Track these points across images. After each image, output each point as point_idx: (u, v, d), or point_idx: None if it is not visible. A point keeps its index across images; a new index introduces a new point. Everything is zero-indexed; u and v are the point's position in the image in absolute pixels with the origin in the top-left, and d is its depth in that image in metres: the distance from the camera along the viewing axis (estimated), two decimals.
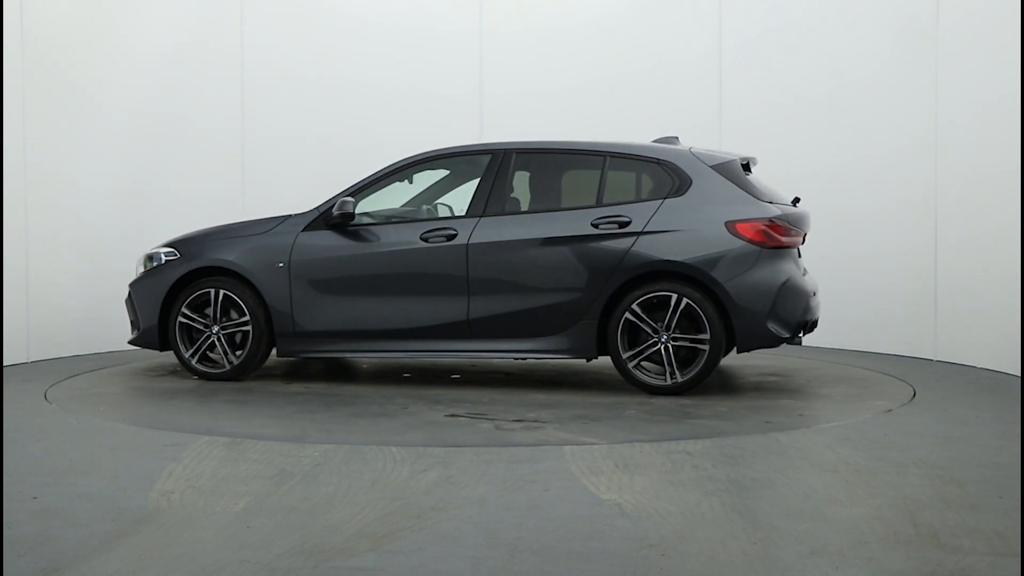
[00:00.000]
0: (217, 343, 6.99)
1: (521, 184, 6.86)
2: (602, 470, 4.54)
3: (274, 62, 9.40)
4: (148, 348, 7.24)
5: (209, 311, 7.01)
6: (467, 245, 6.63)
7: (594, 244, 6.48)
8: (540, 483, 4.33)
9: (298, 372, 7.48)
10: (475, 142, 8.43)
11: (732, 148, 7.66)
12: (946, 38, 7.84)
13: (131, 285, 7.35)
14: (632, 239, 6.42)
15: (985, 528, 3.70)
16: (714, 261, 6.29)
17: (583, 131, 8.25)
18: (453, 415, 5.84)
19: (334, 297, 6.84)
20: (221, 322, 6.98)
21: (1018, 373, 6.97)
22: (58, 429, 5.50)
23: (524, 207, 6.80)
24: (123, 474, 4.53)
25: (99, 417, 5.81)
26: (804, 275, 6.70)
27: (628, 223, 6.45)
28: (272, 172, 9.41)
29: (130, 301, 7.35)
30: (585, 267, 6.47)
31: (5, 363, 7.50)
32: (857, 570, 3.30)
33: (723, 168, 6.56)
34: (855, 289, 8.42)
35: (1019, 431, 5.33)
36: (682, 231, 6.38)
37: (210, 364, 7.05)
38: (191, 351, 7.03)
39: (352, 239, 6.84)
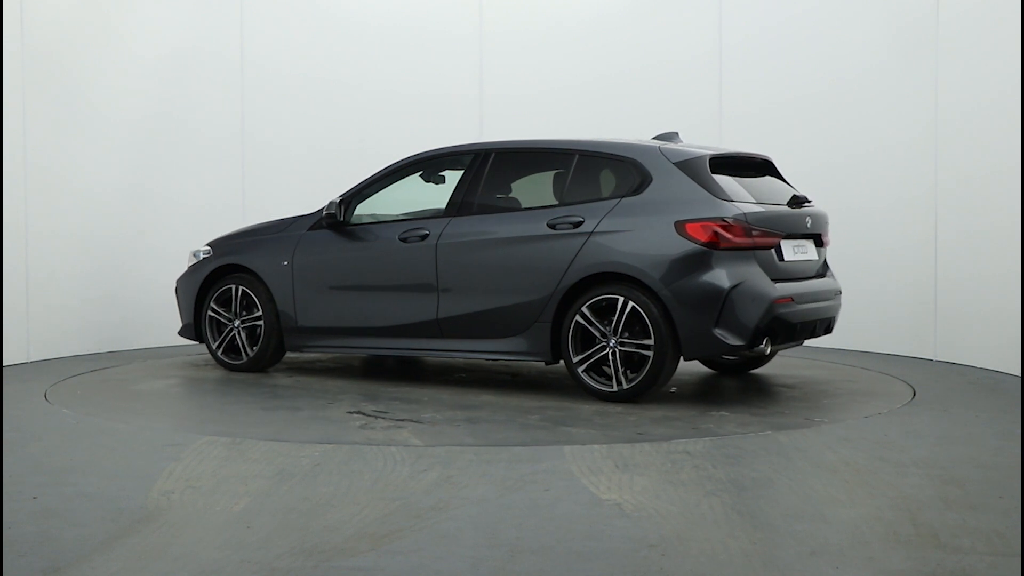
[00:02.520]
0: (237, 336, 7.39)
1: (496, 184, 6.82)
2: (602, 470, 4.54)
3: (274, 65, 9.40)
4: (189, 339, 7.74)
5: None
6: (436, 245, 6.68)
7: (548, 244, 6.31)
8: (540, 483, 4.33)
9: (304, 365, 7.50)
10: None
11: (733, 146, 7.60)
12: (946, 34, 7.84)
13: (177, 281, 7.85)
14: (583, 240, 6.20)
15: (985, 528, 3.70)
16: (659, 263, 5.97)
17: (584, 130, 8.25)
18: (356, 412, 5.94)
19: (327, 294, 7.12)
20: (241, 316, 7.37)
21: (1018, 373, 6.97)
22: (58, 429, 5.50)
23: (496, 207, 6.73)
24: (123, 474, 4.53)
25: (99, 417, 5.81)
26: (820, 278, 6.53)
27: (581, 223, 6.25)
28: (272, 174, 9.42)
29: (176, 296, 7.85)
30: (539, 268, 6.32)
31: (5, 363, 7.50)
32: (857, 570, 3.30)
33: (687, 165, 6.18)
34: (855, 289, 8.39)
35: (1019, 431, 5.33)
36: (631, 231, 6.08)
37: (235, 356, 7.45)
38: (217, 343, 7.46)
39: (345, 238, 7.08)
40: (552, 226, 6.32)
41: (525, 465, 4.62)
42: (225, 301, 7.45)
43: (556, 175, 6.62)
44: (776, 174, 6.87)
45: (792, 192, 6.70)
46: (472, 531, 3.70)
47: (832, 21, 8.71)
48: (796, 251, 6.40)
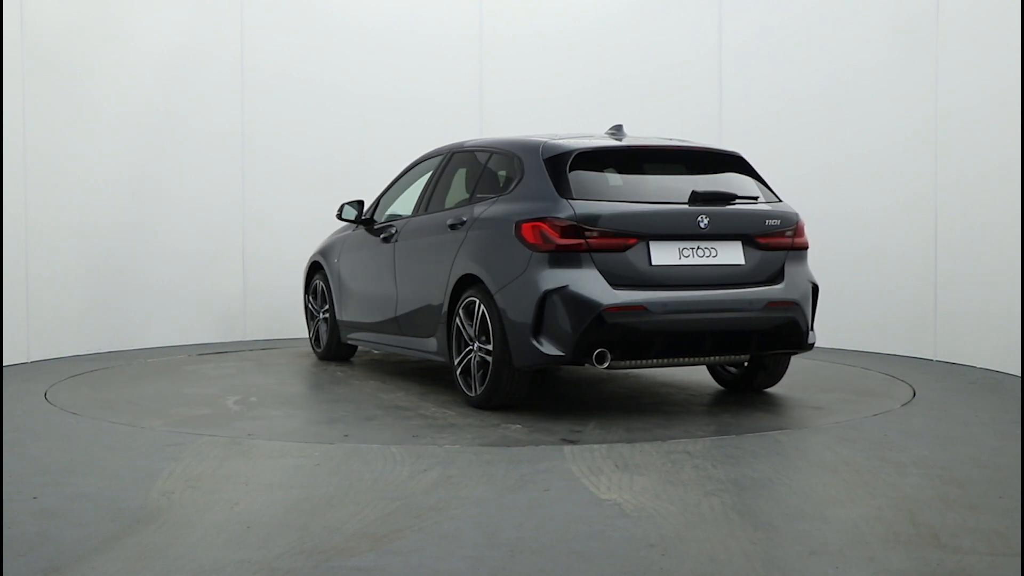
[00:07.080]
0: (320, 327, 8.04)
1: (445, 185, 6.89)
2: (602, 470, 4.54)
3: (274, 66, 9.39)
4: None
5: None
6: (394, 245, 6.90)
7: (443, 245, 6.26)
8: (540, 483, 4.33)
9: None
10: None
11: (733, 146, 7.53)
12: (946, 33, 7.84)
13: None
14: (461, 240, 6.06)
15: (985, 528, 3.70)
16: (498, 265, 5.71)
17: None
18: (240, 400, 6.27)
19: (348, 290, 7.56)
20: (323, 309, 7.98)
21: (1018, 373, 6.97)
22: (58, 429, 5.50)
23: (437, 208, 6.75)
24: (123, 474, 4.54)
25: (99, 417, 5.81)
26: (747, 287, 5.73)
27: (463, 223, 6.12)
28: (272, 174, 9.41)
29: None
30: (438, 268, 6.27)
31: (5, 363, 7.50)
32: (857, 570, 3.30)
33: (551, 161, 5.80)
34: (855, 289, 8.41)
35: (1019, 431, 5.33)
36: (487, 232, 5.87)
37: (318, 345, 8.10)
38: (311, 333, 8.18)
39: (363, 237, 7.45)
40: (451, 226, 6.26)
41: (525, 465, 4.62)
42: (316, 295, 8.15)
43: (473, 174, 6.61)
44: (743, 170, 6.17)
45: (693, 189, 5.81)
46: (472, 531, 3.70)
47: (832, 21, 8.71)
48: (686, 254, 5.67)
